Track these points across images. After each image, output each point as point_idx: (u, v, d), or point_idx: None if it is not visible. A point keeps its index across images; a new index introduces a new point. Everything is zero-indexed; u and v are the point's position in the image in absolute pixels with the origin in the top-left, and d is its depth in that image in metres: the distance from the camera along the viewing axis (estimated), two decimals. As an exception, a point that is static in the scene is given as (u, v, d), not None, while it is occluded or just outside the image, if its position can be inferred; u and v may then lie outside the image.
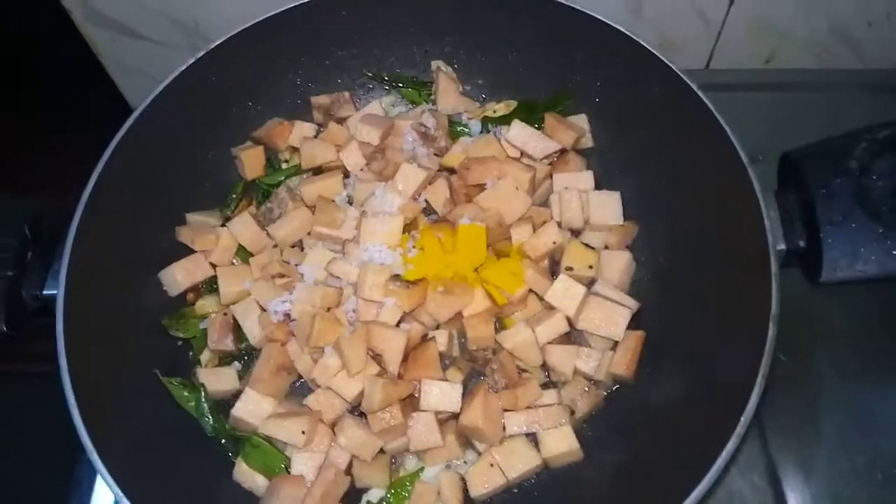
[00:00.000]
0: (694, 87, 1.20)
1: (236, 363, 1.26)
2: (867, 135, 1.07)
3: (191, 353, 1.25)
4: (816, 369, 1.33)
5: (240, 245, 1.30)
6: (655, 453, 1.07)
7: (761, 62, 1.78)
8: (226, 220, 1.32)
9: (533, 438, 1.17)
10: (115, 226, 1.19)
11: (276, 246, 1.30)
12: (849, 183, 1.05)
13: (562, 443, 1.15)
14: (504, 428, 1.16)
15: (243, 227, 1.29)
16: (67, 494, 1.28)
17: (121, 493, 0.97)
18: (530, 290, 1.24)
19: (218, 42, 1.29)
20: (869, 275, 1.03)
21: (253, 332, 1.22)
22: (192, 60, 1.27)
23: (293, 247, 1.31)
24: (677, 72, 1.22)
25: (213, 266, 1.28)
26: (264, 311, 1.22)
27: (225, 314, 1.23)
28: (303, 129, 1.40)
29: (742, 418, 0.92)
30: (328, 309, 1.21)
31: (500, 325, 1.26)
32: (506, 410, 1.17)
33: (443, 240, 1.26)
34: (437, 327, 1.23)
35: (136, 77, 1.80)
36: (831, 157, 1.08)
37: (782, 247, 1.07)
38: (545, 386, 1.22)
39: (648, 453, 1.08)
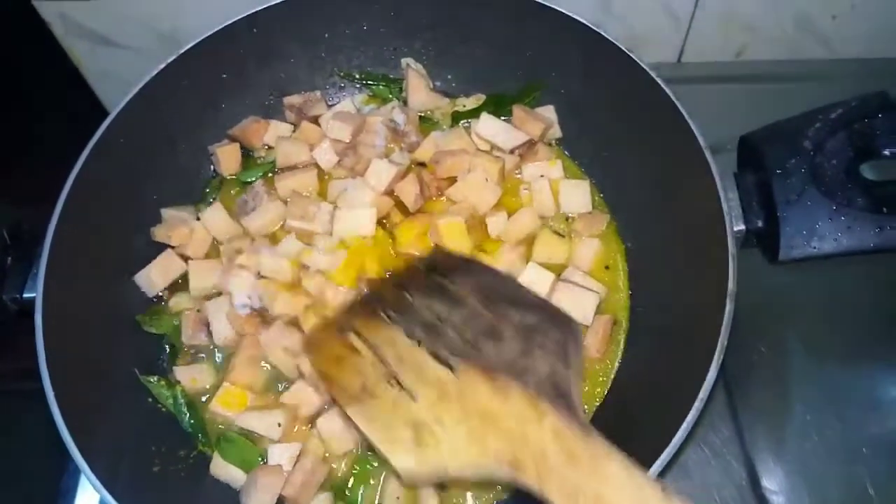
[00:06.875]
0: (655, 76, 1.22)
1: (216, 355, 1.27)
2: (820, 115, 1.10)
3: (167, 350, 1.27)
4: (788, 351, 1.34)
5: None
6: (619, 430, 1.08)
7: (732, 56, 1.80)
8: (200, 215, 1.33)
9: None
10: (91, 228, 1.20)
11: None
12: (803, 162, 1.08)
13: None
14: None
15: (216, 217, 1.30)
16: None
17: (105, 492, 0.98)
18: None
19: (189, 46, 1.31)
20: (825, 251, 1.05)
21: (221, 331, 1.22)
22: (163, 64, 1.29)
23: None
24: (641, 64, 1.24)
25: (186, 260, 1.29)
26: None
27: (199, 310, 1.25)
28: (278, 128, 1.42)
29: (700, 393, 0.94)
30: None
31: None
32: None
33: (418, 234, 1.28)
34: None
35: (116, 86, 1.82)
36: (786, 139, 1.11)
37: (741, 227, 1.10)
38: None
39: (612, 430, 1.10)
